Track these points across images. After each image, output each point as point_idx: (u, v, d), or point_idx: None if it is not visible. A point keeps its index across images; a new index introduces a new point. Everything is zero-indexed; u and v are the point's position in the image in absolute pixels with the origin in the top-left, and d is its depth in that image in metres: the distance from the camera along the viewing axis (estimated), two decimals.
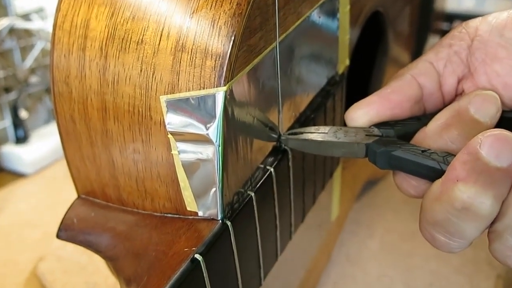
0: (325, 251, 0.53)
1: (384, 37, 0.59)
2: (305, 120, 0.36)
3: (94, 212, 0.32)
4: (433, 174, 0.26)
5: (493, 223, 0.24)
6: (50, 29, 0.50)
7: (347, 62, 0.43)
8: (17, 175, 0.79)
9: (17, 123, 0.81)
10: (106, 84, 0.27)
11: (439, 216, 0.25)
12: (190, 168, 0.27)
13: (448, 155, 0.26)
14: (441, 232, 0.25)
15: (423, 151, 0.27)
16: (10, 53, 0.81)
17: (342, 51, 0.41)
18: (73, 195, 0.33)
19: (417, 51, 0.76)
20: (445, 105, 0.32)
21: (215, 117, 0.25)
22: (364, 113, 0.31)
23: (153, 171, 0.29)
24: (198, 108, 0.25)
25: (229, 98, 0.26)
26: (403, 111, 0.31)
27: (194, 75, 0.25)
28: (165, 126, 0.26)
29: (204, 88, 0.25)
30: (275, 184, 0.32)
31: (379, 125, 0.31)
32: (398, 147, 0.27)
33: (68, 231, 0.32)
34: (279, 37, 0.30)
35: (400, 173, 0.29)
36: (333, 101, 0.40)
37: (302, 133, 0.32)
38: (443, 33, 0.94)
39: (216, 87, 0.25)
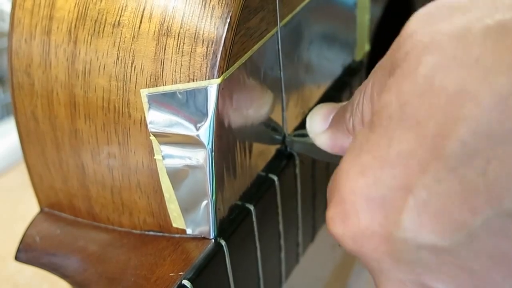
0: (340, 277, 0.54)
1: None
2: None
3: (60, 229, 0.32)
4: None
5: None
6: (8, 8, 0.50)
7: (367, 47, 0.44)
8: None
9: None
10: (75, 75, 0.28)
11: None
12: (177, 176, 0.28)
13: None
14: None
15: None
16: None
17: (361, 34, 0.42)
18: (35, 209, 0.34)
19: None
20: None
21: (207, 115, 0.26)
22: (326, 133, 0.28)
23: (132, 180, 0.29)
24: (187, 104, 0.26)
25: (224, 92, 0.26)
26: None
27: (181, 65, 0.26)
28: (146, 125, 0.27)
29: (193, 80, 0.26)
30: (279, 196, 0.33)
31: None
32: None
33: (28, 251, 0.32)
34: (282, 18, 0.30)
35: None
36: (350, 95, 0.41)
37: None
38: None
39: (208, 78, 0.25)
